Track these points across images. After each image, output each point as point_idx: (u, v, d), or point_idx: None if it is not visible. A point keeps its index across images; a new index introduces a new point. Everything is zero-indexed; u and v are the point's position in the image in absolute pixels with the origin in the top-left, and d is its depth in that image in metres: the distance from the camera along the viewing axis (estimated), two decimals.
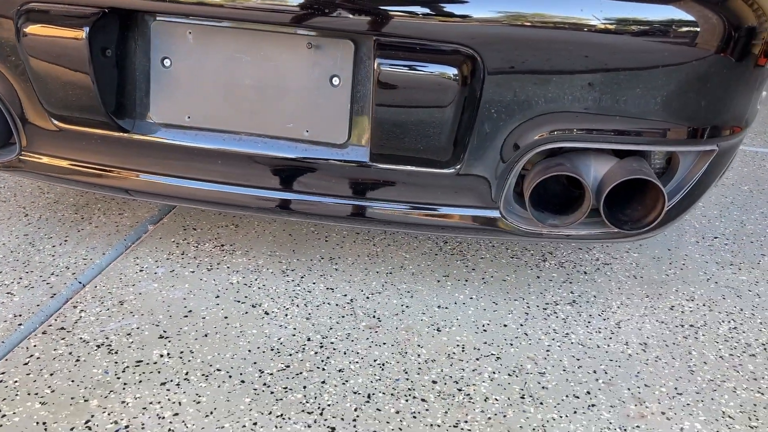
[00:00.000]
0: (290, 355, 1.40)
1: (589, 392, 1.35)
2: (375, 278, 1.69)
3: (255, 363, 1.37)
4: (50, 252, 1.72)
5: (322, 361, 1.39)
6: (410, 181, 1.28)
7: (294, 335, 1.47)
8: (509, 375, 1.38)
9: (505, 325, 1.54)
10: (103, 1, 1.18)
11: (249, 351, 1.41)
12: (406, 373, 1.37)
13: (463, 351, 1.45)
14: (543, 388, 1.35)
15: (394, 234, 1.90)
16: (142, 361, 1.36)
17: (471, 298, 1.64)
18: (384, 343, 1.46)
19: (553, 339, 1.50)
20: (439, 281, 1.70)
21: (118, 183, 1.38)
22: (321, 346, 1.44)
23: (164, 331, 1.45)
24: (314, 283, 1.66)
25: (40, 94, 1.27)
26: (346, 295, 1.62)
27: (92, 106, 1.24)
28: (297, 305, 1.57)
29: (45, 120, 1.34)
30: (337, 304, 1.58)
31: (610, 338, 1.52)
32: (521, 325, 1.55)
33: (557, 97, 1.17)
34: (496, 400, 1.31)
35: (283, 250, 1.79)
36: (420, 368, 1.39)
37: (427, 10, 1.12)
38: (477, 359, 1.42)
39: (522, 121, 1.20)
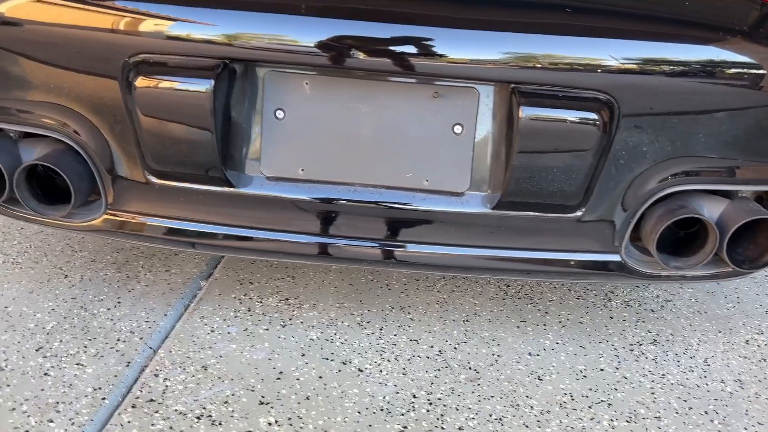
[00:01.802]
0: (402, 414, 1.34)
1: None
2: (454, 327, 1.65)
3: (370, 425, 1.30)
4: (107, 316, 1.59)
5: (437, 419, 1.33)
6: (532, 227, 1.26)
7: (398, 393, 1.40)
8: (628, 422, 1.36)
9: (601, 370, 1.52)
10: (226, 52, 1.12)
11: (359, 413, 1.33)
12: (527, 426, 1.33)
13: (572, 399, 1.42)
14: None
15: (455, 279, 1.87)
16: (251, 431, 1.26)
17: (557, 343, 1.62)
18: (491, 396, 1.41)
19: (653, 381, 1.49)
20: (518, 327, 1.67)
21: (220, 242, 1.29)
22: (430, 403, 1.37)
23: (262, 397, 1.35)
24: (395, 335, 1.60)
25: (148, 149, 1.19)
26: (432, 347, 1.57)
27: (209, 160, 1.17)
28: (388, 360, 1.50)
29: (138, 174, 1.25)
30: (427, 357, 1.53)
31: (705, 377, 1.52)
32: (617, 368, 1.53)
33: (686, 141, 1.18)
34: None
35: (350, 301, 1.73)
36: (539, 420, 1.34)
37: (569, 59, 1.11)
38: (590, 407, 1.40)
39: (650, 164, 1.20)
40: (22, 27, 1.17)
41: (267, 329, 1.59)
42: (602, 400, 1.42)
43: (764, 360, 1.61)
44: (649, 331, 1.69)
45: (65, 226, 1.34)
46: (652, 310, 1.80)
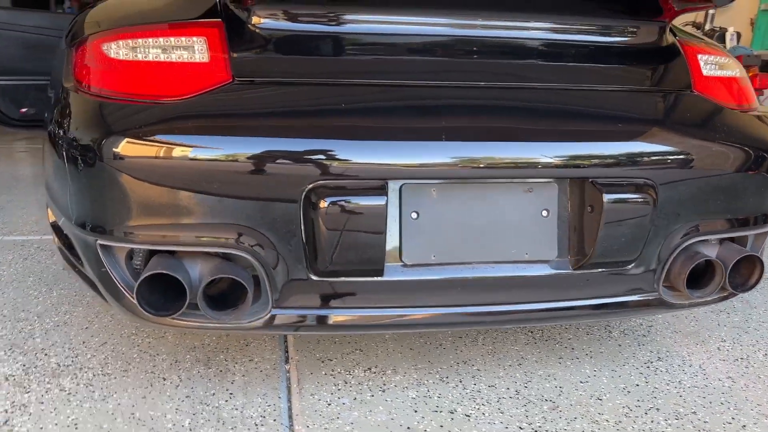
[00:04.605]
0: None
1: (734, 418, 1.80)
2: (514, 371, 2.01)
3: None
4: (230, 406, 1.77)
5: None
6: (601, 280, 1.68)
7: (507, 428, 1.73)
8: (676, 419, 1.79)
9: (637, 385, 1.96)
10: (384, 175, 1.45)
11: None
12: None
13: (630, 410, 1.83)
14: (704, 422, 1.78)
15: (492, 333, 2.23)
16: None
17: (594, 370, 2.03)
18: (575, 418, 1.78)
19: (675, 387, 1.95)
20: (560, 362, 2.07)
21: (370, 321, 1.57)
22: (534, 431, 1.72)
23: None
24: (475, 385, 1.93)
25: (323, 253, 1.46)
26: (509, 389, 1.91)
27: (376, 257, 1.46)
28: (483, 404, 1.83)
29: (301, 274, 1.51)
30: (510, 397, 1.87)
31: (706, 378, 2.01)
32: (646, 382, 1.97)
33: (696, 207, 1.68)
34: None
35: (421, 363, 2.03)
36: (617, 429, 1.73)
37: (627, 156, 1.57)
38: (646, 413, 1.81)
39: (676, 226, 1.68)
40: (213, 166, 1.42)
41: (372, 395, 1.85)
42: (651, 407, 1.84)
43: (736, 360, 2.13)
44: (650, 352, 2.17)
45: (236, 328, 1.54)
46: (644, 335, 2.29)
